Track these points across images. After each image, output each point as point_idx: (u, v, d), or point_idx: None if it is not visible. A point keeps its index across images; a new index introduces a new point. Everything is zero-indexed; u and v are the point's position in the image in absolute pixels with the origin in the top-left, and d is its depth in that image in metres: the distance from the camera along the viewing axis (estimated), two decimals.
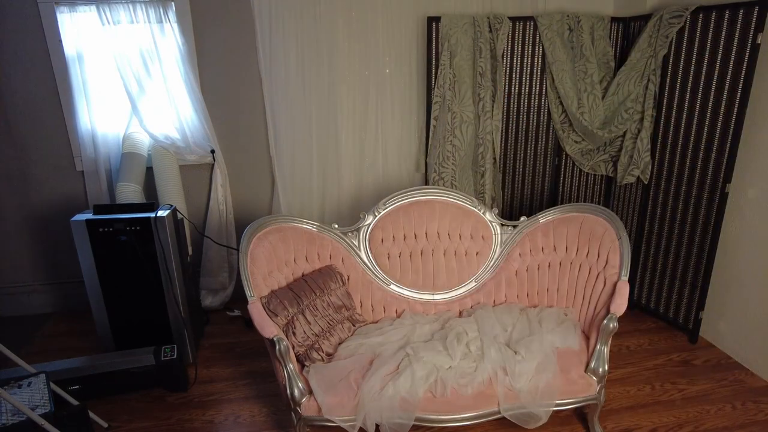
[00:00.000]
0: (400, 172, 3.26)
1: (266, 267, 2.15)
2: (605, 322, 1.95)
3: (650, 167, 2.82)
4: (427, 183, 3.13)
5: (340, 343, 2.14)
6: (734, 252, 2.57)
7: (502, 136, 3.05)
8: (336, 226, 2.41)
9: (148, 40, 2.73)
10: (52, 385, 2.01)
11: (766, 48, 2.29)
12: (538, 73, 2.97)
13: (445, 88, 2.87)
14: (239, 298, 3.28)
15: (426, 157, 3.07)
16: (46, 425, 1.73)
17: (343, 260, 2.37)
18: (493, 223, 2.46)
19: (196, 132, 2.94)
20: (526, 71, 2.96)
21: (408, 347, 2.03)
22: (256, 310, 1.93)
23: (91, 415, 2.14)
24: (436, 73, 2.89)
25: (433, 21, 2.82)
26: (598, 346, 1.97)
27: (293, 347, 1.99)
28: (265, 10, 2.79)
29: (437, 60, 2.88)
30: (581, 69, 2.88)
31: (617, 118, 2.86)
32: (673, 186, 2.75)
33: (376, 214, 2.44)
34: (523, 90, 3.00)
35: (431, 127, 2.97)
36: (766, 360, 2.46)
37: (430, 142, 3.01)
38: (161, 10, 2.71)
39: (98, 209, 2.42)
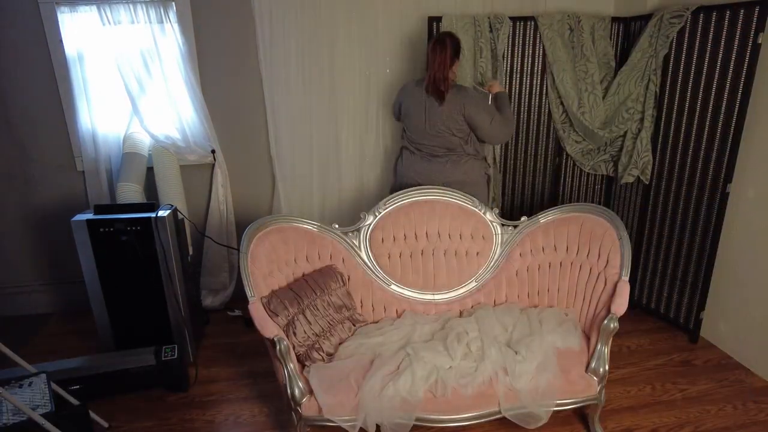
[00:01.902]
0: None
1: (267, 267, 2.15)
2: (606, 322, 1.95)
3: (650, 167, 2.82)
4: None
5: (340, 343, 2.14)
6: (735, 252, 2.57)
7: None
8: (336, 226, 2.41)
9: (148, 40, 2.73)
10: (53, 385, 2.01)
11: (766, 48, 2.29)
12: (539, 73, 2.96)
13: None
14: (240, 297, 3.28)
15: None
16: (47, 425, 1.73)
17: (343, 260, 2.37)
18: (494, 223, 2.46)
19: (196, 132, 2.94)
20: (527, 71, 2.96)
21: (408, 347, 2.03)
22: (256, 310, 1.93)
23: (92, 414, 2.14)
24: None
25: (434, 21, 2.81)
26: (599, 346, 1.97)
27: (294, 347, 1.99)
28: (266, 10, 2.79)
29: None
30: (582, 69, 2.88)
31: (618, 118, 2.85)
32: (674, 186, 2.75)
33: (377, 214, 2.44)
34: (523, 90, 2.99)
35: None
36: (766, 360, 2.46)
37: None
38: (162, 10, 2.71)
39: (99, 209, 2.42)
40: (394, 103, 2.70)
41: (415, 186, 2.49)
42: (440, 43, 2.37)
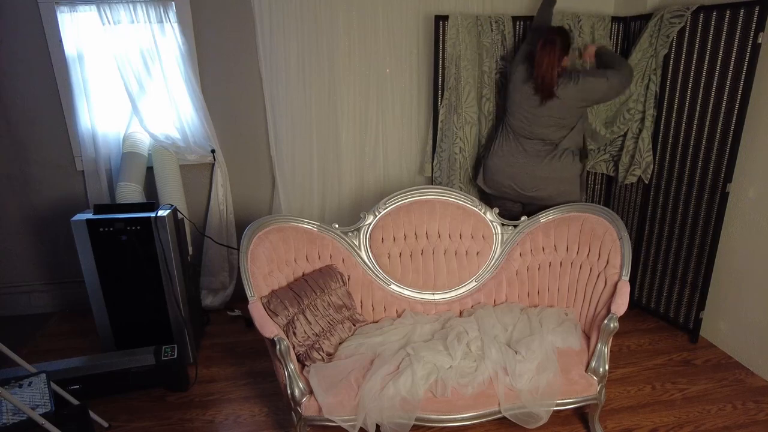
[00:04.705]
0: (401, 171, 3.26)
1: (267, 267, 2.15)
2: (606, 321, 1.95)
3: (651, 167, 2.82)
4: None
5: (340, 343, 2.14)
6: (735, 252, 2.57)
7: None
8: (336, 225, 2.41)
9: (148, 40, 2.73)
10: (53, 385, 2.01)
11: (766, 48, 2.29)
12: None
13: (450, 89, 2.86)
14: (240, 297, 3.28)
15: (433, 161, 3.05)
16: (47, 425, 1.73)
17: (343, 260, 2.37)
18: (494, 223, 2.46)
19: (196, 132, 2.94)
20: None
21: (408, 347, 2.03)
22: (256, 310, 1.93)
23: (92, 414, 2.14)
24: (443, 74, 2.88)
25: (440, 20, 2.79)
26: (599, 345, 1.97)
27: (294, 347, 1.99)
28: (266, 10, 2.79)
29: (443, 60, 2.86)
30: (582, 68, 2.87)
31: (619, 118, 2.85)
32: (674, 186, 2.75)
33: (377, 213, 2.44)
34: None
35: (438, 131, 2.96)
36: (766, 360, 2.46)
37: (437, 146, 2.99)
38: (161, 10, 2.71)
39: (98, 209, 2.42)
40: (514, 62, 2.59)
41: (506, 187, 2.60)
42: (550, 43, 2.36)
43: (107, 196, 2.98)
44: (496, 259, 2.45)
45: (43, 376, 1.96)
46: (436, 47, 2.86)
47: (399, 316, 2.38)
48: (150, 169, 2.94)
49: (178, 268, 2.48)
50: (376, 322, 2.35)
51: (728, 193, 2.50)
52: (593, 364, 1.97)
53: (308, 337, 2.05)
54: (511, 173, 2.58)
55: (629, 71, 2.44)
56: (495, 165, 2.62)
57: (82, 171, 2.98)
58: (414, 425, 1.85)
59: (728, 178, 2.46)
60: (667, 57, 2.67)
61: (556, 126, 2.49)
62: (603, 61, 2.53)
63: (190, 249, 2.81)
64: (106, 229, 2.37)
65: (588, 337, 2.12)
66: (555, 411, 1.97)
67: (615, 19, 2.92)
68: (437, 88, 2.91)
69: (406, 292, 2.43)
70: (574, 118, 2.48)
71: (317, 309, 2.13)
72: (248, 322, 3.05)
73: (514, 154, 2.57)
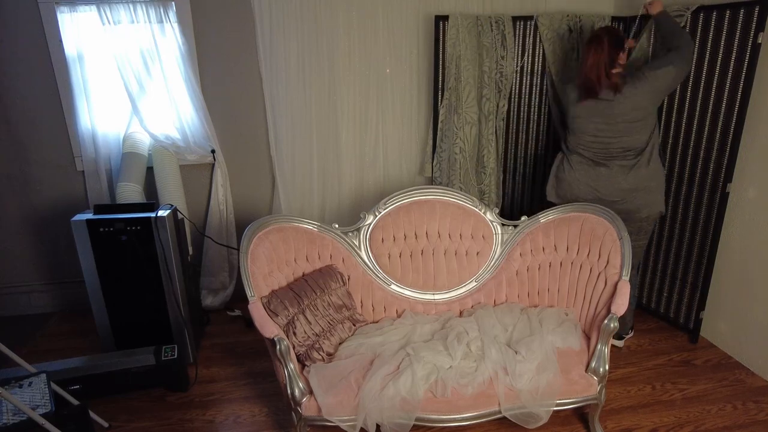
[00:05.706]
0: (401, 171, 3.26)
1: (267, 267, 2.15)
2: (606, 322, 1.95)
3: None
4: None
5: (340, 343, 2.14)
6: (735, 252, 2.57)
7: (503, 135, 3.05)
8: (336, 225, 2.41)
9: (148, 40, 2.73)
10: (53, 385, 2.01)
11: (766, 48, 2.29)
12: (539, 73, 2.97)
13: (450, 89, 2.87)
14: (240, 297, 3.28)
15: (433, 161, 3.05)
16: (47, 425, 1.73)
17: (343, 260, 2.37)
18: (494, 223, 2.46)
19: (196, 132, 2.94)
20: (527, 71, 2.96)
21: (408, 347, 2.03)
22: (256, 310, 1.93)
23: (92, 414, 2.14)
24: (443, 74, 2.88)
25: (440, 20, 2.79)
26: (599, 346, 1.97)
27: (294, 347, 1.99)
28: (266, 10, 2.79)
29: (443, 60, 2.86)
30: None
31: None
32: (674, 186, 2.75)
33: (377, 213, 2.44)
34: (523, 89, 2.99)
35: (438, 131, 2.96)
36: (766, 360, 2.46)
37: (438, 146, 2.99)
38: (161, 10, 2.71)
39: (99, 209, 2.42)
40: (559, 99, 2.43)
41: (588, 198, 2.41)
42: (596, 41, 2.24)
43: (107, 196, 2.98)
44: (496, 259, 2.45)
45: (43, 376, 1.96)
46: (436, 47, 2.85)
47: (399, 316, 2.38)
48: (150, 169, 2.94)
49: (178, 268, 2.48)
50: (376, 322, 2.35)
51: (728, 193, 2.50)
52: (593, 364, 1.97)
53: (308, 337, 2.05)
54: (593, 183, 2.41)
55: (688, 42, 2.23)
56: (574, 178, 2.45)
57: (82, 171, 2.98)
58: (414, 425, 1.85)
59: (728, 178, 2.46)
60: None
61: (634, 131, 2.30)
62: (662, 32, 2.34)
63: (190, 249, 2.81)
64: (106, 229, 2.37)
65: (588, 338, 2.12)
66: (555, 411, 1.97)
67: (615, 19, 2.92)
68: (437, 88, 2.91)
69: (406, 292, 2.43)
70: (652, 117, 2.30)
71: (317, 309, 2.13)
72: (248, 322, 3.05)
73: (593, 169, 2.41)
